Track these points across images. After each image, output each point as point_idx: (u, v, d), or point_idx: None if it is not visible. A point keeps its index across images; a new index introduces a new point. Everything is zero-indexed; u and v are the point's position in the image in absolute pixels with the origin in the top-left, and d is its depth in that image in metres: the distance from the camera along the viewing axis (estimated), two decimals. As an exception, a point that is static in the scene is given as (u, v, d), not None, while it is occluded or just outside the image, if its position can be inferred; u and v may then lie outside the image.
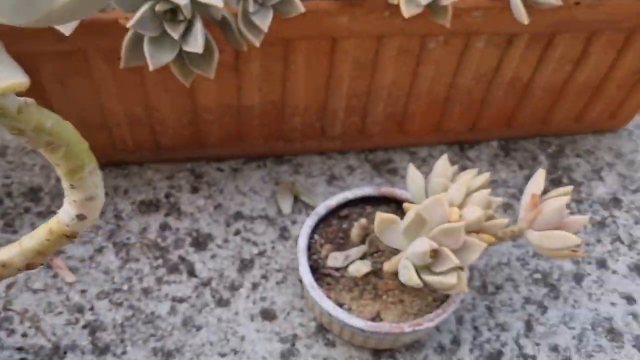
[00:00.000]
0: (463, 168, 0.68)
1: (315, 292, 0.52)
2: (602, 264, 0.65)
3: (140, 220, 0.63)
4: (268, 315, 0.58)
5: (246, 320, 0.58)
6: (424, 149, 0.72)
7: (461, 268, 0.46)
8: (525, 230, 0.48)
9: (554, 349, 0.59)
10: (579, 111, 0.72)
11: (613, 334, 0.60)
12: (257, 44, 0.48)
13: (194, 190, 0.66)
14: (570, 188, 0.48)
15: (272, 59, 0.57)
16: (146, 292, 0.59)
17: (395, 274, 0.50)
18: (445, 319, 0.52)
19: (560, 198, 0.46)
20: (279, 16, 0.50)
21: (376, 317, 0.52)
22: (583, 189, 0.71)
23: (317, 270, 0.54)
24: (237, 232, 0.63)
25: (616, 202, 0.70)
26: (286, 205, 0.65)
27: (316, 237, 0.56)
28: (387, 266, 0.51)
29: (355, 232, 0.55)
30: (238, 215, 0.65)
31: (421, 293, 0.53)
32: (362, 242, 0.56)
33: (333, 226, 0.57)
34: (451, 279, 0.44)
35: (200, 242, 0.62)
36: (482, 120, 0.70)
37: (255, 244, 0.63)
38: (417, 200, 0.51)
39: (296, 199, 0.66)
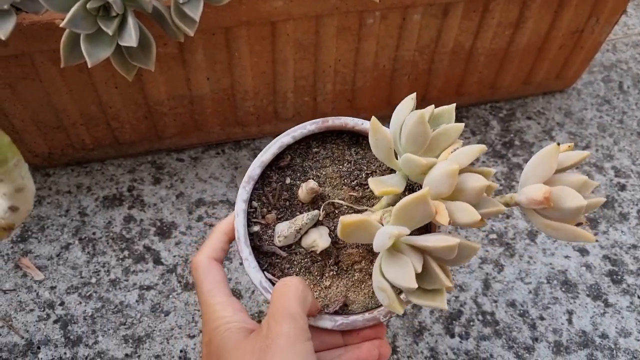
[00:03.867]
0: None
1: (259, 287, 0.42)
2: (555, 219, 0.67)
3: (105, 214, 0.65)
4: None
5: (213, 302, 0.60)
6: (378, 124, 0.74)
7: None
8: (527, 209, 0.38)
9: (512, 304, 0.61)
10: (526, 74, 0.73)
11: (568, 285, 0.63)
12: (191, 33, 0.49)
13: (156, 181, 0.68)
14: (587, 154, 0.39)
15: (216, 47, 0.59)
16: (114, 283, 0.61)
17: None
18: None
19: (578, 199, 0.35)
20: (213, 5, 0.51)
21: (344, 306, 0.42)
22: (534, 149, 0.73)
23: (262, 248, 0.43)
24: (199, 218, 0.65)
25: (567, 159, 0.72)
26: (246, 189, 0.67)
27: (255, 204, 0.44)
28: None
29: (303, 191, 0.43)
30: (200, 202, 0.67)
31: None
32: (313, 201, 0.44)
33: (273, 183, 0.44)
34: (440, 301, 0.35)
35: (165, 231, 0.64)
36: (432, 90, 0.71)
37: (218, 228, 0.65)
38: (385, 156, 0.41)
39: (255, 182, 0.68)
